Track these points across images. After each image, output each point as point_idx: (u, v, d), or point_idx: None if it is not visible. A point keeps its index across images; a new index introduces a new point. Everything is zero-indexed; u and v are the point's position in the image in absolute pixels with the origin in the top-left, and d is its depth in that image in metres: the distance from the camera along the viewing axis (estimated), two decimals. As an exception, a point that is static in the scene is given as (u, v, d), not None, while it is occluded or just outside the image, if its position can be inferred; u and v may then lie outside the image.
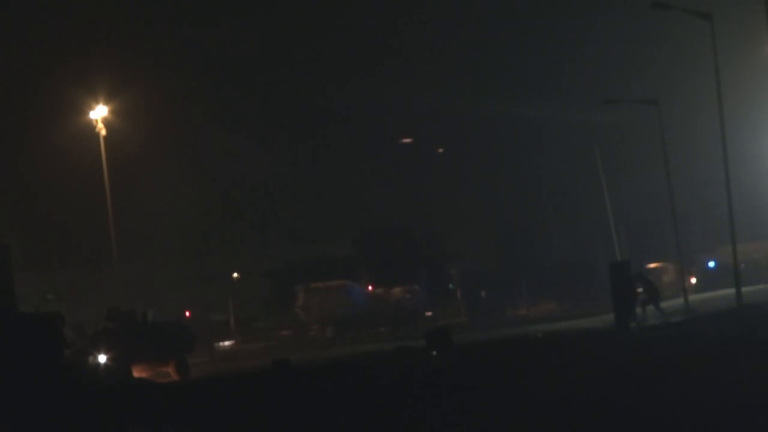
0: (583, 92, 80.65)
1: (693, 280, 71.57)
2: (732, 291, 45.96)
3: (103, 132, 62.52)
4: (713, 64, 46.05)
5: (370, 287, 76.71)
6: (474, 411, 20.16)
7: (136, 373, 44.53)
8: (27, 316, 31.62)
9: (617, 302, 41.04)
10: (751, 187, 63.78)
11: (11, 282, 31.92)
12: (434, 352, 34.89)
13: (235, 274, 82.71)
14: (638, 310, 42.78)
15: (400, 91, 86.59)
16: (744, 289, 45.59)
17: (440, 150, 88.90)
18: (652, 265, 74.40)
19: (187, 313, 68.90)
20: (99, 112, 62.74)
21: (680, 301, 55.71)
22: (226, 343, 68.16)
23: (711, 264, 74.32)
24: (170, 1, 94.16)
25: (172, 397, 27.28)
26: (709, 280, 70.13)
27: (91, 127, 63.03)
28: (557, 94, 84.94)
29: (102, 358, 44.75)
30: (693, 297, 58.48)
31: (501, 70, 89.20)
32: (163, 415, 23.49)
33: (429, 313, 72.33)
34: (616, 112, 69.31)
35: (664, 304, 46.77)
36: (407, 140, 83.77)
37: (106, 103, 63.06)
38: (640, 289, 44.50)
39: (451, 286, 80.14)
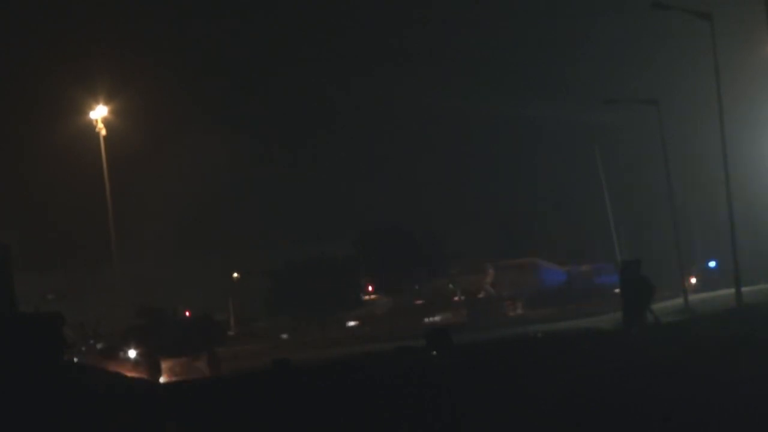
0: (583, 92, 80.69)
1: (693, 280, 71.53)
2: (732, 291, 45.98)
3: (103, 132, 62.53)
4: (713, 64, 46.05)
5: (369, 288, 76.76)
6: (474, 411, 20.15)
7: (169, 367, 44.80)
8: (27, 316, 31.60)
9: (626, 301, 40.87)
10: (751, 187, 63.71)
11: (11, 282, 31.90)
12: (434, 352, 34.85)
13: (235, 274, 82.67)
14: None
15: (401, 91, 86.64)
16: (744, 289, 45.60)
17: None
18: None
19: (187, 313, 68.83)
20: (99, 112, 62.75)
21: (680, 301, 55.73)
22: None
23: (711, 264, 74.33)
24: (170, 1, 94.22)
25: (173, 397, 27.27)
26: (708, 280, 70.10)
27: (91, 127, 63.03)
28: (557, 94, 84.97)
29: (132, 353, 45.02)
30: (693, 297, 58.51)
31: (501, 70, 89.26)
32: (164, 415, 23.48)
33: (617, 290, 72.25)
34: (616, 112, 69.30)
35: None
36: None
37: (106, 103, 63.06)
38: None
39: (451, 286, 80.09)
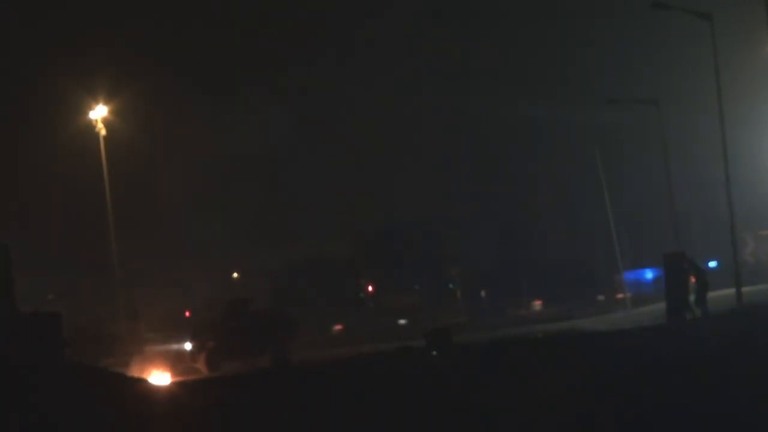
0: (583, 92, 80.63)
1: (693, 280, 71.36)
2: (732, 291, 45.96)
3: (103, 132, 62.51)
4: (713, 65, 46.04)
5: (369, 288, 76.77)
6: (474, 411, 20.15)
7: (236, 361, 44.33)
8: (27, 316, 31.60)
9: (670, 294, 41.05)
10: (751, 187, 63.71)
11: (11, 282, 31.90)
12: (434, 352, 34.85)
13: (235, 274, 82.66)
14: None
15: (399, 91, 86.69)
16: (744, 290, 45.59)
17: None
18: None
19: (187, 313, 68.86)
20: (99, 112, 62.72)
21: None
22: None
23: (712, 264, 74.29)
24: (170, 1, 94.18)
25: (172, 398, 27.29)
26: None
27: (91, 127, 63.00)
28: (557, 94, 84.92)
29: (188, 346, 44.63)
30: (694, 297, 58.34)
31: (501, 69, 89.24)
32: (164, 415, 23.49)
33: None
34: (616, 112, 69.30)
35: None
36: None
37: (106, 103, 63.03)
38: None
39: (451, 286, 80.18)
